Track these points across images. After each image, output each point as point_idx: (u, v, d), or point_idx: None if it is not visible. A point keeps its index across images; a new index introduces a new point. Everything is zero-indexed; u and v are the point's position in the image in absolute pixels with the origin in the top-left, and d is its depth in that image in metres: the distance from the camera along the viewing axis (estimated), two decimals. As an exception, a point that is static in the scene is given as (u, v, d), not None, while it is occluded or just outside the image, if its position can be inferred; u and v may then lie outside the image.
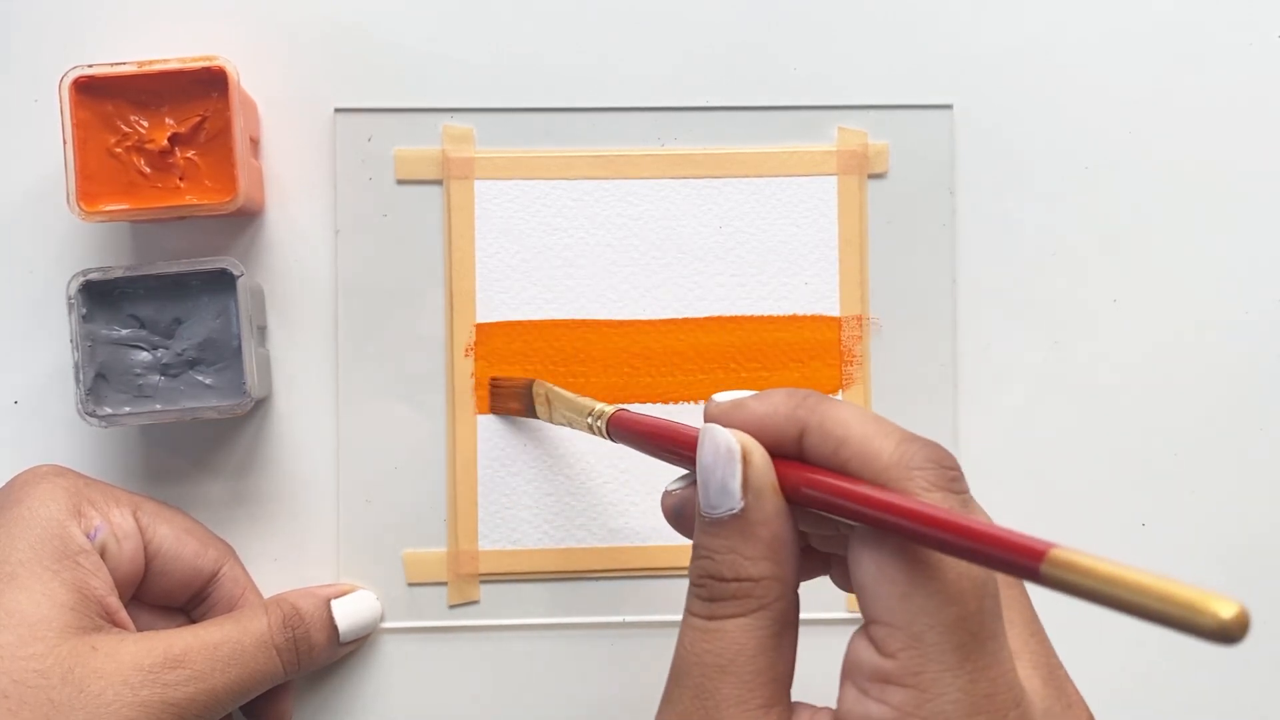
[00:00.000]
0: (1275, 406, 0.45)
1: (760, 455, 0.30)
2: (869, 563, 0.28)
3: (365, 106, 0.44)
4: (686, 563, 0.44)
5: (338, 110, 0.44)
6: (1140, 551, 0.44)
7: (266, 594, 0.43)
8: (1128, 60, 0.46)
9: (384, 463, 0.44)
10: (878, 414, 0.30)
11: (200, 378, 0.42)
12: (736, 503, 0.30)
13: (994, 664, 0.27)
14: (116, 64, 0.41)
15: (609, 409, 0.38)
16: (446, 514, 0.44)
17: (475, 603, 0.44)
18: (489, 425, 0.44)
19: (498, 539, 0.44)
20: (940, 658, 0.27)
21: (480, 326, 0.44)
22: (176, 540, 0.41)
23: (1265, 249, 0.45)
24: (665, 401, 0.45)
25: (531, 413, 0.43)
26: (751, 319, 0.45)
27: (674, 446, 0.34)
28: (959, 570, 0.27)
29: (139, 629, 0.39)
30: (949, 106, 0.45)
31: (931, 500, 0.28)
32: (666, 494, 0.34)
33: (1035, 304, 0.45)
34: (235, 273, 0.41)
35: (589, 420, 0.39)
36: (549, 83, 0.45)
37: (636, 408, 0.44)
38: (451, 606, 0.44)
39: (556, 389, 0.42)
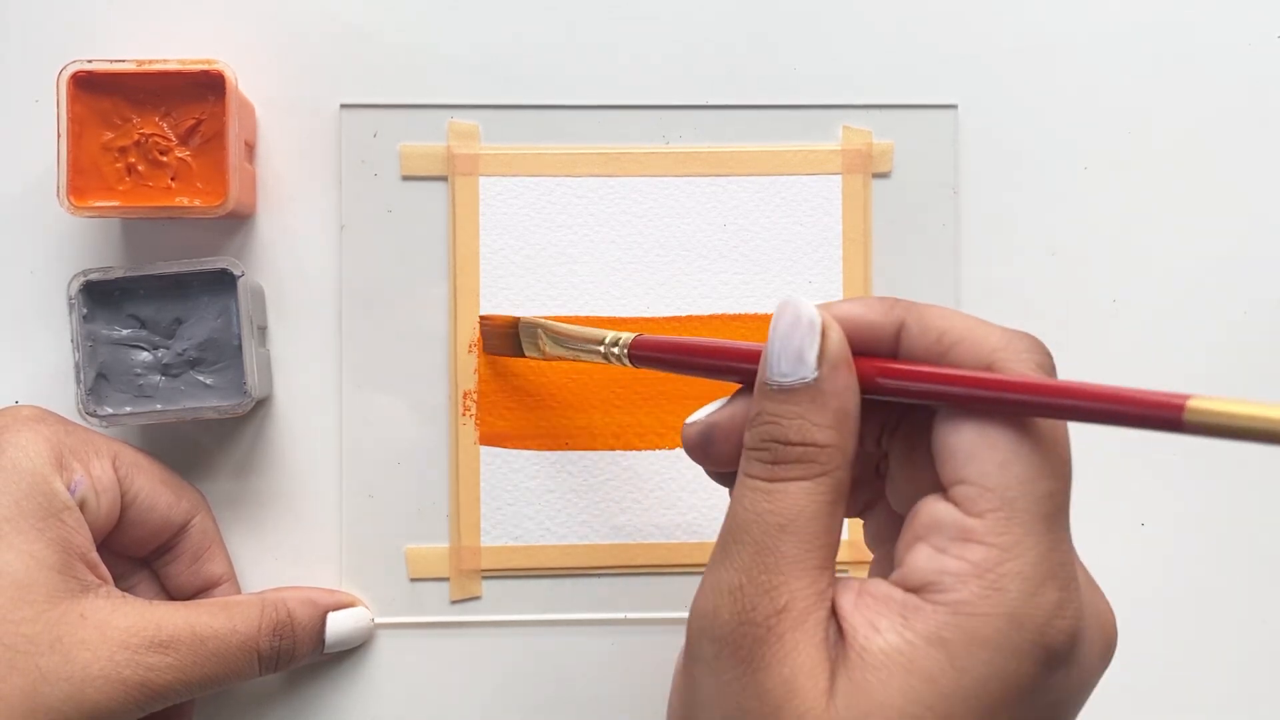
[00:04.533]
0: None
1: (837, 331, 0.31)
2: (970, 430, 0.29)
3: (370, 102, 0.44)
4: (690, 561, 0.45)
5: (343, 106, 0.44)
6: (1139, 550, 0.45)
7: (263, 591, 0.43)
8: (1128, 60, 0.46)
9: (386, 458, 0.44)
10: None
11: (201, 378, 0.42)
12: (810, 371, 0.30)
13: (1066, 540, 0.29)
14: (116, 61, 0.41)
15: (628, 335, 0.38)
16: (449, 510, 0.44)
17: (477, 599, 0.44)
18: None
19: (500, 535, 0.44)
20: (1028, 523, 0.28)
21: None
22: (152, 492, 0.41)
23: (1265, 249, 0.46)
24: (665, 397, 0.45)
25: (519, 352, 0.43)
26: (755, 317, 0.45)
27: (712, 359, 0.34)
28: (1059, 449, 0.29)
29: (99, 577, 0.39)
30: (953, 106, 0.45)
31: (1041, 380, 0.29)
32: (690, 424, 0.34)
33: (1036, 304, 0.45)
34: (236, 273, 0.41)
35: (604, 349, 0.39)
36: (554, 80, 0.45)
37: (634, 405, 0.45)
38: (453, 602, 0.44)
39: (555, 324, 0.42)
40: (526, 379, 0.44)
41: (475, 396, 0.44)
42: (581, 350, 0.40)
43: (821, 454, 0.30)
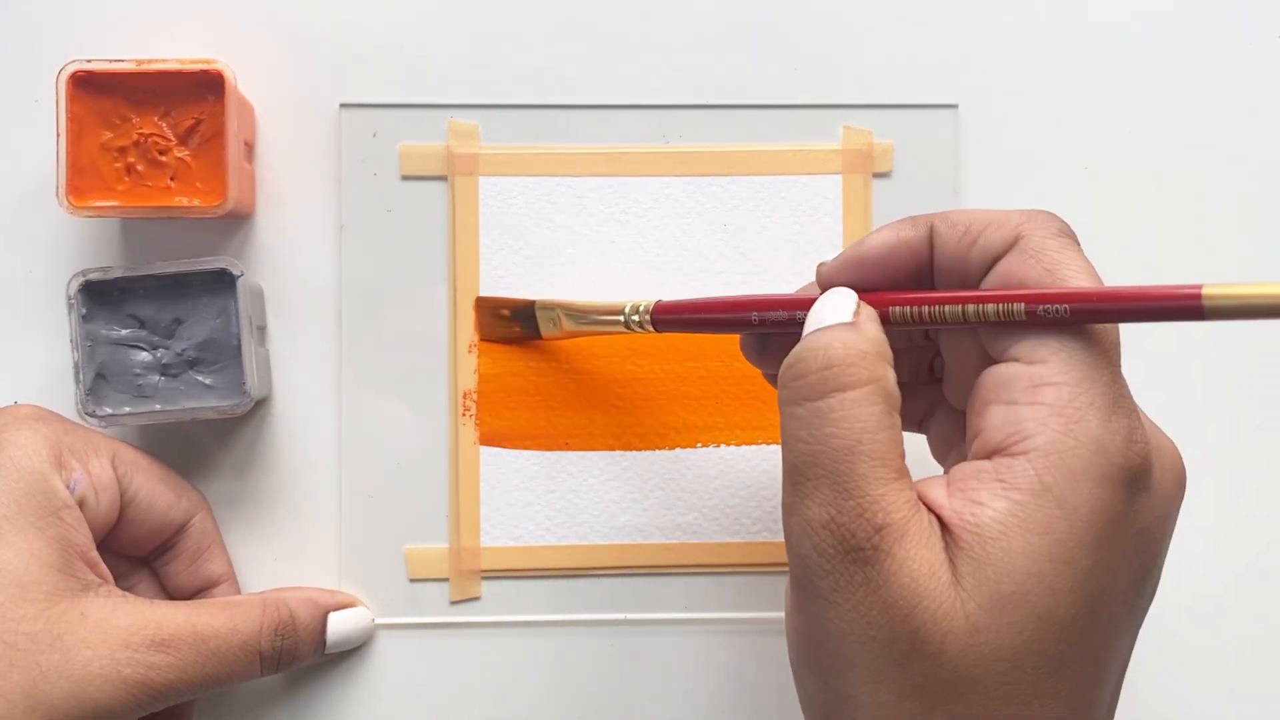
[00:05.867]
0: (1274, 405, 0.46)
1: (870, 309, 0.33)
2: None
3: (370, 102, 0.44)
4: (690, 561, 0.45)
5: (343, 106, 0.44)
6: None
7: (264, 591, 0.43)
8: (1129, 60, 0.46)
9: (386, 459, 0.44)
10: None
11: (200, 378, 0.42)
12: (848, 316, 0.32)
13: (1120, 375, 0.31)
14: (115, 61, 0.41)
15: (649, 300, 0.39)
16: (448, 510, 0.44)
17: (477, 599, 0.44)
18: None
19: (500, 535, 0.44)
20: (1089, 359, 0.30)
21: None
22: (151, 491, 0.41)
23: (1265, 249, 0.46)
24: (665, 397, 0.45)
25: (535, 334, 0.43)
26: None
27: (736, 312, 0.36)
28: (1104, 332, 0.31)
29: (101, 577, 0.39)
30: (954, 106, 0.45)
31: (1063, 244, 0.32)
32: (745, 336, 0.37)
33: (1037, 304, 0.45)
34: (235, 273, 0.41)
35: (624, 318, 0.40)
36: (554, 79, 0.45)
37: (634, 405, 0.45)
38: (453, 603, 0.44)
39: (570, 301, 0.42)
40: (526, 379, 0.44)
41: (475, 396, 0.44)
42: (601, 323, 0.41)
43: (865, 360, 0.30)
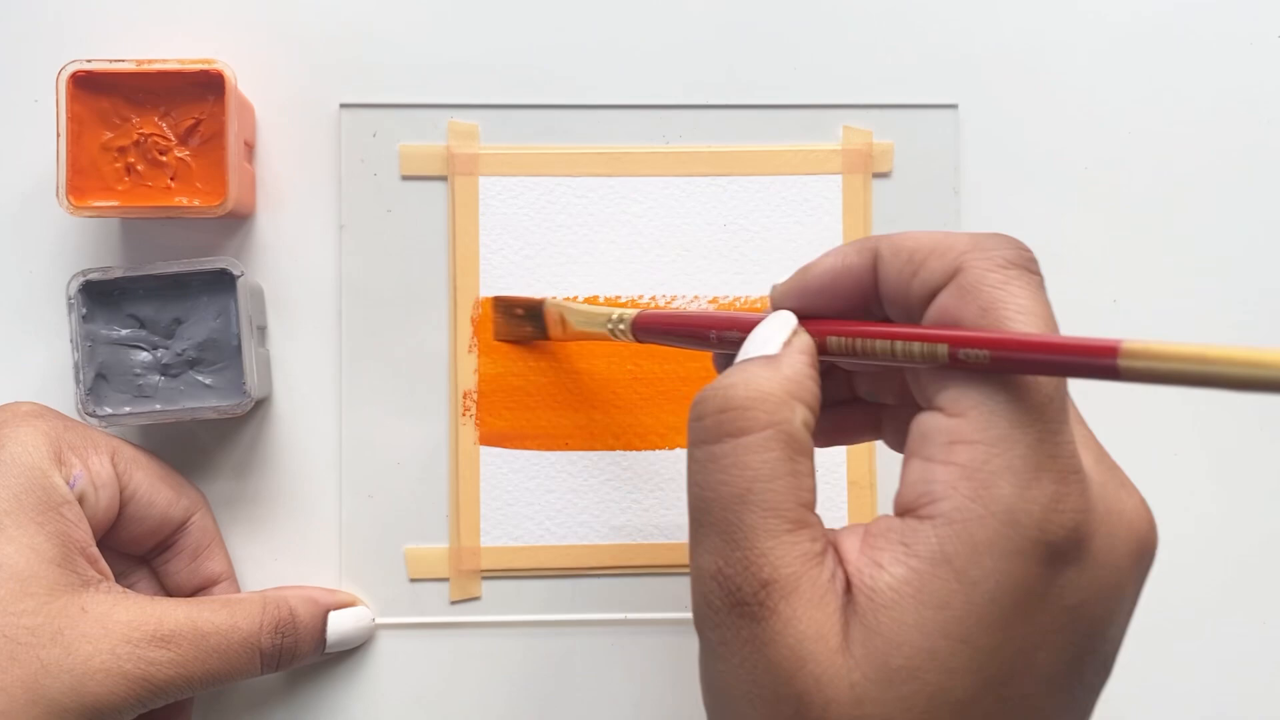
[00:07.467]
0: (1274, 404, 0.46)
1: (804, 339, 0.31)
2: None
3: (370, 102, 0.44)
4: (687, 561, 0.45)
5: (343, 106, 0.44)
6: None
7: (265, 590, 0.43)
8: (1129, 60, 0.46)
9: (386, 459, 0.44)
10: None
11: (200, 378, 0.42)
12: (774, 347, 0.30)
13: (1060, 431, 0.27)
14: (115, 61, 0.41)
15: (630, 312, 0.39)
16: (449, 510, 0.44)
17: (477, 599, 0.44)
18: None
19: (500, 535, 0.44)
20: (1011, 415, 0.27)
21: (483, 322, 0.44)
22: (151, 488, 0.41)
23: (1265, 249, 0.46)
24: (665, 397, 0.45)
25: (543, 334, 0.43)
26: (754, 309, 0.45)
27: (709, 329, 0.35)
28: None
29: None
30: (954, 106, 0.45)
31: (1007, 277, 0.28)
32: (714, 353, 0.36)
33: (1036, 304, 0.45)
34: (235, 273, 0.41)
35: (609, 326, 0.40)
36: (554, 79, 0.45)
37: (634, 405, 0.45)
38: (453, 603, 0.44)
39: (568, 303, 0.43)
40: (526, 379, 0.44)
41: (475, 396, 0.44)
42: (593, 326, 0.41)
43: (764, 404, 0.29)
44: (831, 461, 0.44)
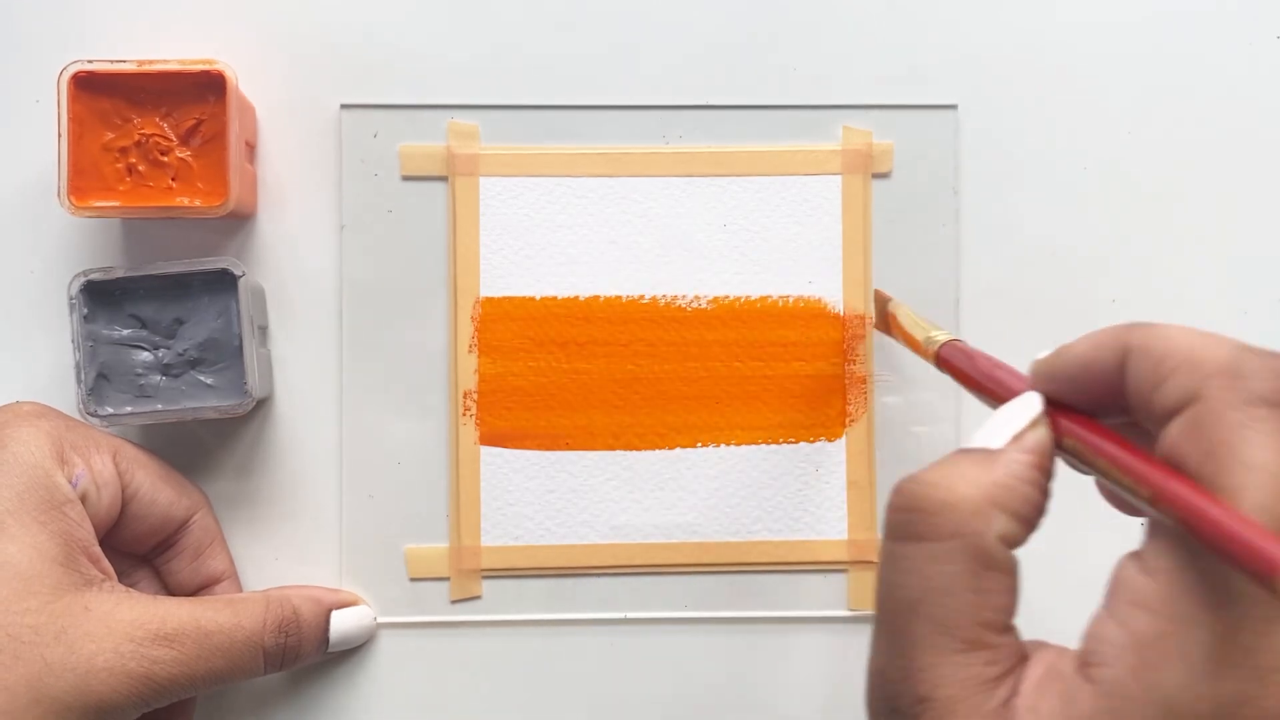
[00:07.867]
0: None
1: (1040, 435, 0.28)
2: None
3: (370, 102, 0.44)
4: (690, 561, 0.45)
5: (343, 106, 0.44)
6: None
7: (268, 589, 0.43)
8: (1128, 61, 0.46)
9: (386, 458, 0.44)
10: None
11: (201, 378, 0.42)
12: (999, 440, 0.28)
13: (1271, 622, 0.23)
14: (116, 61, 0.41)
15: (942, 337, 0.37)
16: (449, 510, 0.44)
17: (477, 598, 0.44)
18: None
19: (500, 535, 0.44)
20: (1203, 593, 0.24)
21: (484, 321, 0.44)
22: (152, 487, 0.41)
23: (1265, 249, 0.46)
24: (665, 398, 0.45)
25: (884, 327, 0.43)
26: (755, 314, 0.45)
27: (990, 390, 0.33)
28: None
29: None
30: (953, 107, 0.45)
31: (1249, 419, 0.24)
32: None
33: (1036, 304, 0.45)
34: (236, 273, 0.41)
35: (923, 342, 0.38)
36: (554, 80, 0.45)
37: (634, 405, 0.45)
38: (453, 602, 0.44)
39: (906, 309, 0.41)
40: (526, 379, 0.44)
41: (475, 396, 0.44)
42: (913, 334, 0.40)
43: (954, 512, 0.26)
44: (832, 461, 0.45)
